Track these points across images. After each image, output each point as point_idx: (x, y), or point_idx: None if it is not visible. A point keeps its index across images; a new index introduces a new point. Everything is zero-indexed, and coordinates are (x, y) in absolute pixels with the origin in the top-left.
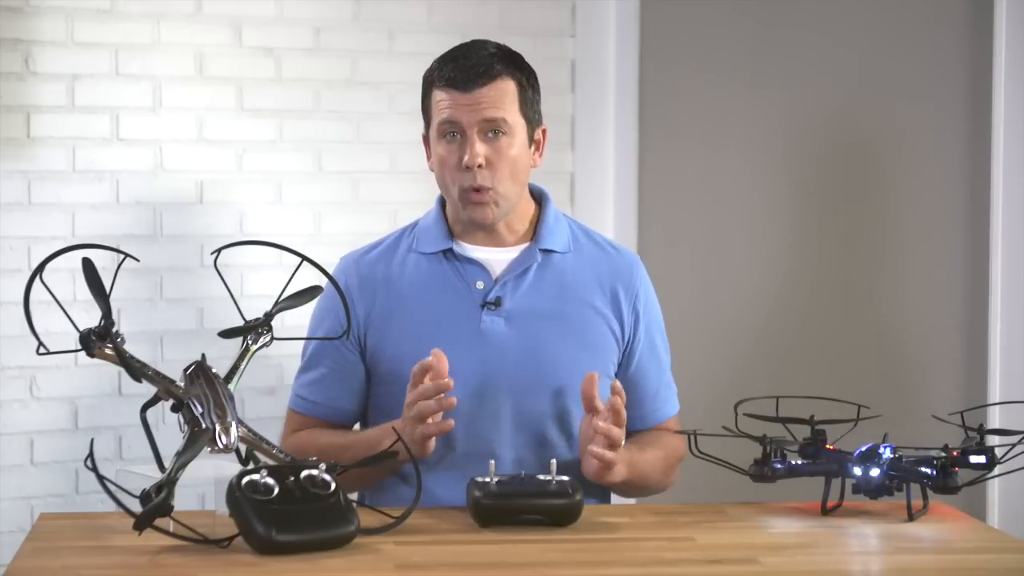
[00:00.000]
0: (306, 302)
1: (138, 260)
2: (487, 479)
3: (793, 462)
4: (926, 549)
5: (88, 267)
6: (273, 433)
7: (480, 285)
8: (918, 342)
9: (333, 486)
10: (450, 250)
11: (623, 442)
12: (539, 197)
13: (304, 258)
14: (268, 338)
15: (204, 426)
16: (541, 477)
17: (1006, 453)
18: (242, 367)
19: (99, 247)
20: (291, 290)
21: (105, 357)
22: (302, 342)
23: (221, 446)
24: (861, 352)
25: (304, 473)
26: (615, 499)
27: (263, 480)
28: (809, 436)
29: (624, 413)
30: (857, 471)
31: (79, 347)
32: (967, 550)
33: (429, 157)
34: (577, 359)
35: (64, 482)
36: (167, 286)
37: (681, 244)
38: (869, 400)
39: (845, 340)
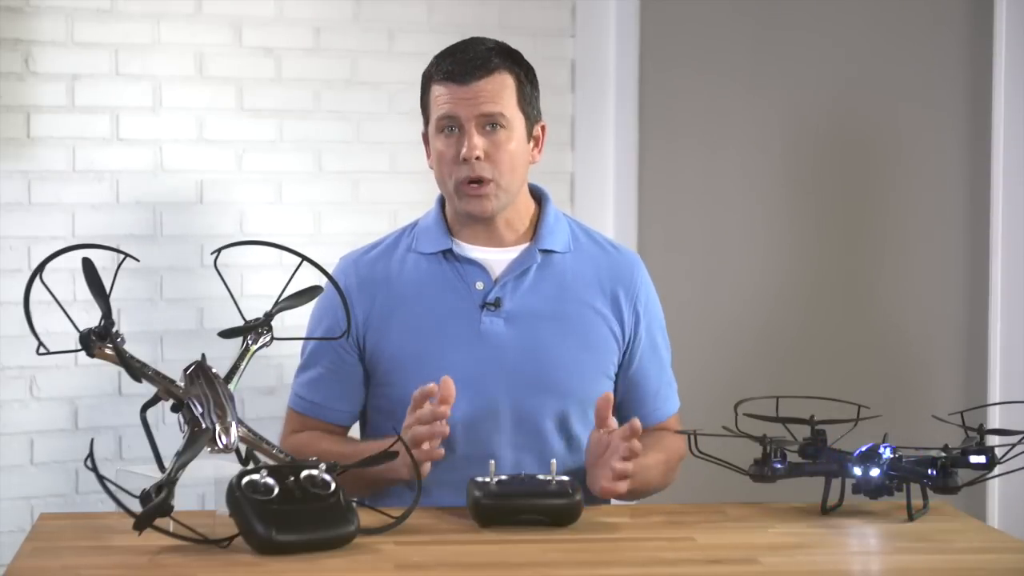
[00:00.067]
0: (306, 302)
1: (138, 260)
2: (487, 479)
3: (793, 462)
4: (926, 549)
5: (88, 267)
6: (273, 433)
7: (480, 286)
8: (918, 342)
9: (333, 486)
10: (450, 250)
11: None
12: (539, 197)
13: (304, 258)
14: (268, 338)
15: (204, 426)
16: (541, 477)
17: (1006, 453)
18: (242, 367)
19: (99, 247)
20: (291, 290)
21: (105, 357)
22: (302, 342)
23: (221, 446)
24: (861, 352)
25: (304, 473)
26: (614, 500)
27: (263, 480)
28: (809, 436)
29: (639, 445)
30: (857, 471)
31: (79, 347)
32: (967, 550)
33: (429, 155)
34: (577, 360)
35: (64, 482)
36: (167, 286)
37: (681, 244)
38: (869, 400)
39: (845, 340)
